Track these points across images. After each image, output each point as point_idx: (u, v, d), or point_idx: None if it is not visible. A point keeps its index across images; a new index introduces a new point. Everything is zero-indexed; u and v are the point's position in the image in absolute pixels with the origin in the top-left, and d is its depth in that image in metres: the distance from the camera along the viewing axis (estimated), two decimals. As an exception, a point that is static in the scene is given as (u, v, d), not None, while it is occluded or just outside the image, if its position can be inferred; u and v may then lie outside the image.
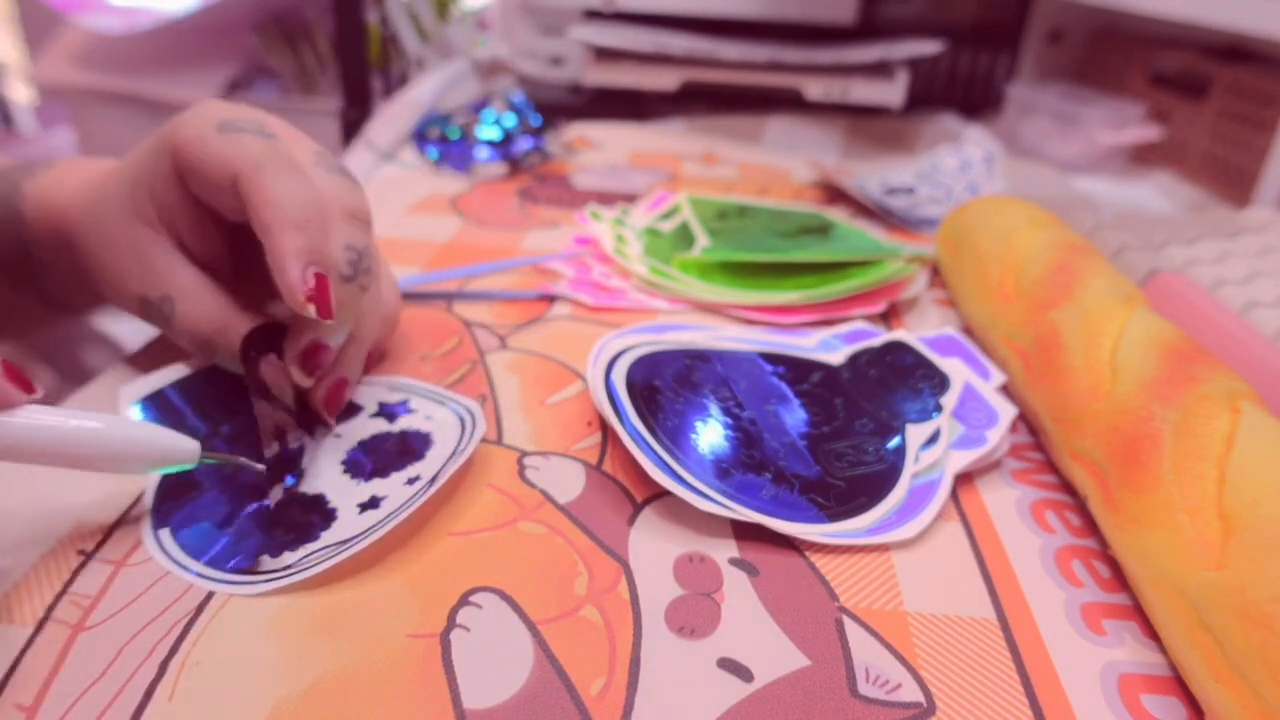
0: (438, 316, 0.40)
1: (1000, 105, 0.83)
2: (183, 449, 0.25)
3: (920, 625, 0.24)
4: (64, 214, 0.31)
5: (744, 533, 0.27)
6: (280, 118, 0.31)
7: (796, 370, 0.35)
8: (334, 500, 0.27)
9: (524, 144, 0.64)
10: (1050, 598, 0.26)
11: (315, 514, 0.27)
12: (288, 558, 0.25)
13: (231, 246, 0.31)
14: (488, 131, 0.64)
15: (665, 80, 0.74)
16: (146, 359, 0.34)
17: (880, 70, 0.74)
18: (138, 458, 0.24)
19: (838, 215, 0.55)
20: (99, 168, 0.32)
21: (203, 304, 0.29)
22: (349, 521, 0.26)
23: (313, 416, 0.30)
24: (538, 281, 0.44)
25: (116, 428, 0.24)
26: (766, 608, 0.24)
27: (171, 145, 0.28)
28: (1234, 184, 0.64)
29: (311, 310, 0.26)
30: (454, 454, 0.29)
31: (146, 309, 0.29)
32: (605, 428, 0.32)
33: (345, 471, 0.29)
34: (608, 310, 0.42)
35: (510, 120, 0.64)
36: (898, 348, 0.36)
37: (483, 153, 0.63)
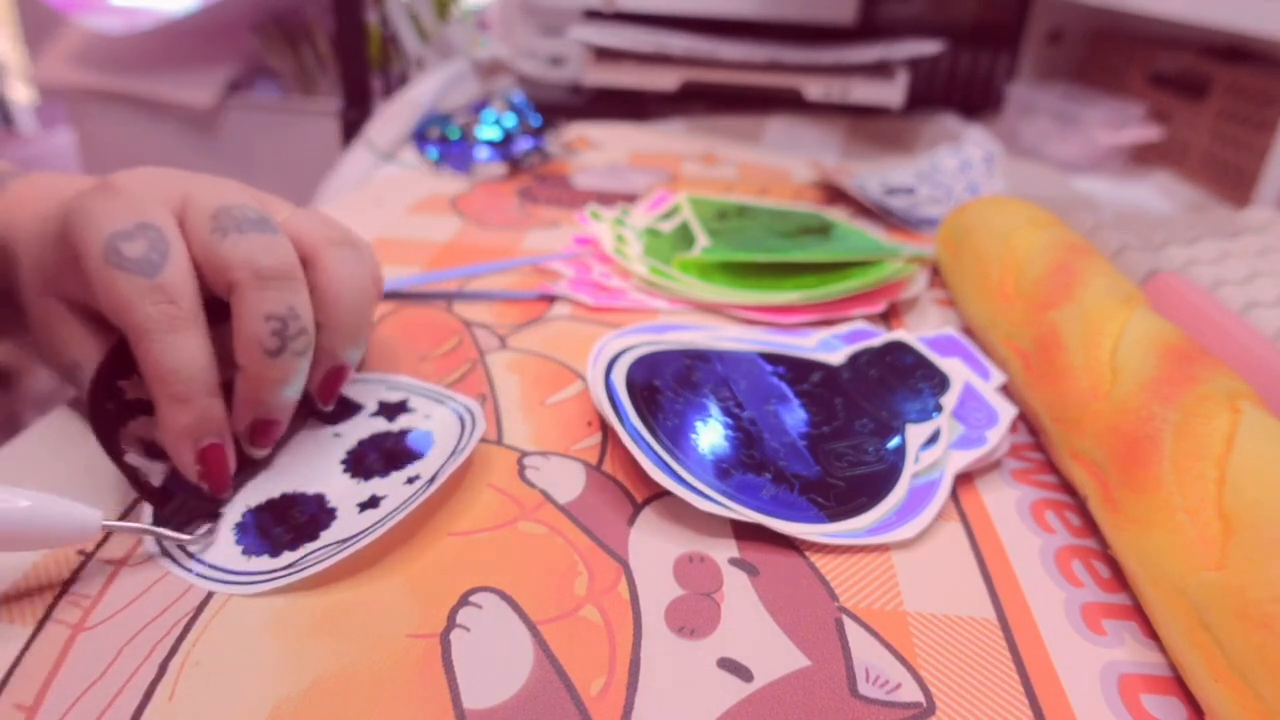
0: (438, 316, 0.40)
1: (1000, 105, 0.83)
2: (81, 524, 0.23)
3: (920, 625, 0.24)
4: (11, 248, 0.30)
5: (744, 533, 0.27)
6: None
7: (796, 370, 0.35)
8: (334, 500, 0.27)
9: (524, 144, 0.64)
10: (1050, 598, 0.26)
11: (315, 513, 0.27)
12: (288, 557, 0.25)
13: None
14: (488, 131, 0.64)
15: (665, 80, 0.74)
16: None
17: (880, 70, 0.74)
18: (25, 539, 0.22)
19: (838, 215, 0.55)
20: (48, 203, 0.30)
21: None
22: (349, 521, 0.26)
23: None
24: (538, 281, 0.44)
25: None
26: (766, 608, 0.24)
27: (72, 249, 0.26)
28: (1234, 184, 0.64)
29: (206, 488, 0.26)
30: (454, 453, 0.29)
31: (61, 371, 0.28)
32: (605, 428, 0.32)
33: (345, 471, 0.29)
34: (608, 310, 0.42)
35: (510, 120, 0.64)
36: (898, 348, 0.36)
37: (483, 153, 0.63)
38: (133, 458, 0.27)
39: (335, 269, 0.29)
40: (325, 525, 0.26)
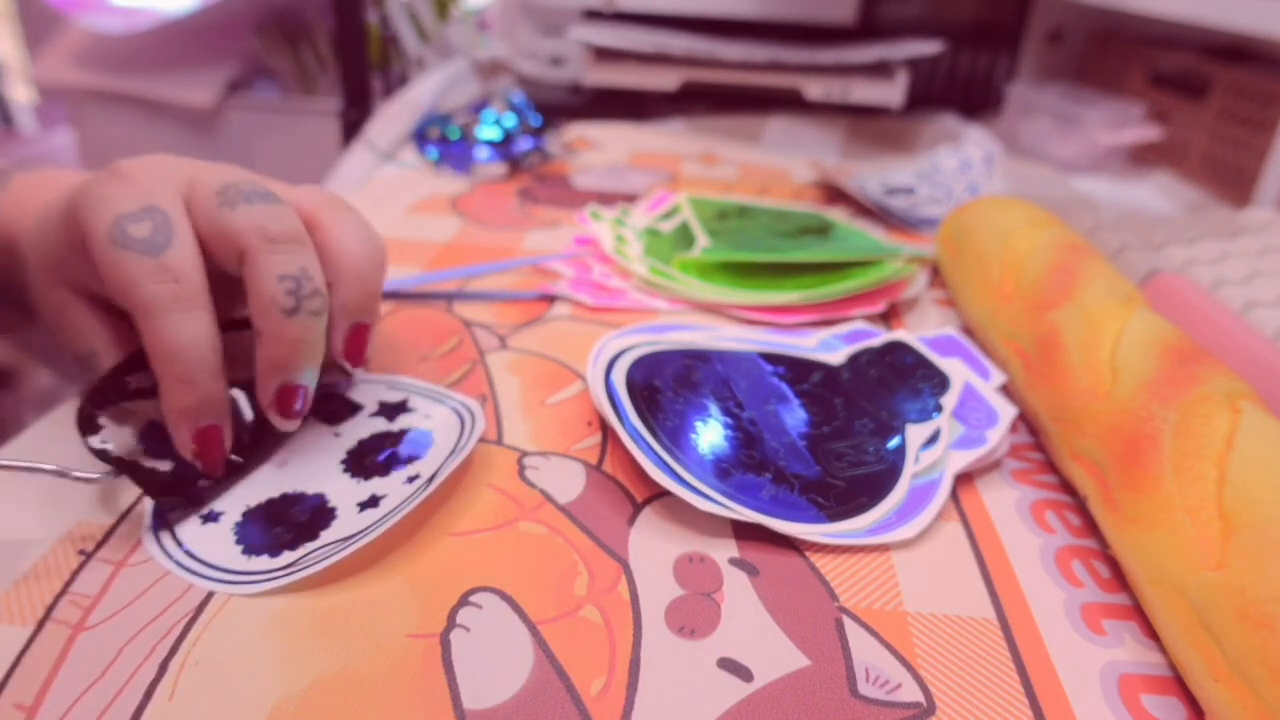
0: (438, 316, 0.40)
1: (1000, 105, 0.83)
2: None
3: (920, 625, 0.24)
4: (15, 242, 0.30)
5: (744, 533, 0.27)
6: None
7: (796, 370, 0.35)
8: (334, 500, 0.27)
9: (524, 144, 0.64)
10: (1050, 598, 0.26)
11: (315, 513, 0.27)
12: (287, 556, 0.25)
13: None
14: (488, 131, 0.64)
15: (665, 80, 0.74)
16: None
17: (880, 70, 0.74)
18: None
19: (838, 215, 0.55)
20: (53, 194, 0.30)
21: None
22: (349, 520, 0.26)
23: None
24: (538, 281, 0.44)
25: None
26: (766, 608, 0.24)
27: (79, 232, 0.26)
28: (1234, 184, 0.64)
29: (199, 465, 0.26)
30: (453, 452, 0.29)
31: (77, 361, 0.28)
32: (605, 428, 0.32)
33: (345, 470, 0.29)
34: (608, 310, 0.42)
35: (510, 120, 0.64)
36: (898, 348, 0.36)
37: (483, 153, 0.63)
38: (103, 439, 0.27)
39: (337, 228, 0.29)
40: (325, 525, 0.26)
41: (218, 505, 0.27)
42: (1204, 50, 0.70)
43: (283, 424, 0.28)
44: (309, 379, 0.28)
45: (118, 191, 0.26)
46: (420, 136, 0.66)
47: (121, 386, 0.28)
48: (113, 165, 0.27)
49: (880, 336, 0.37)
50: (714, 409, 0.31)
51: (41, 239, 0.28)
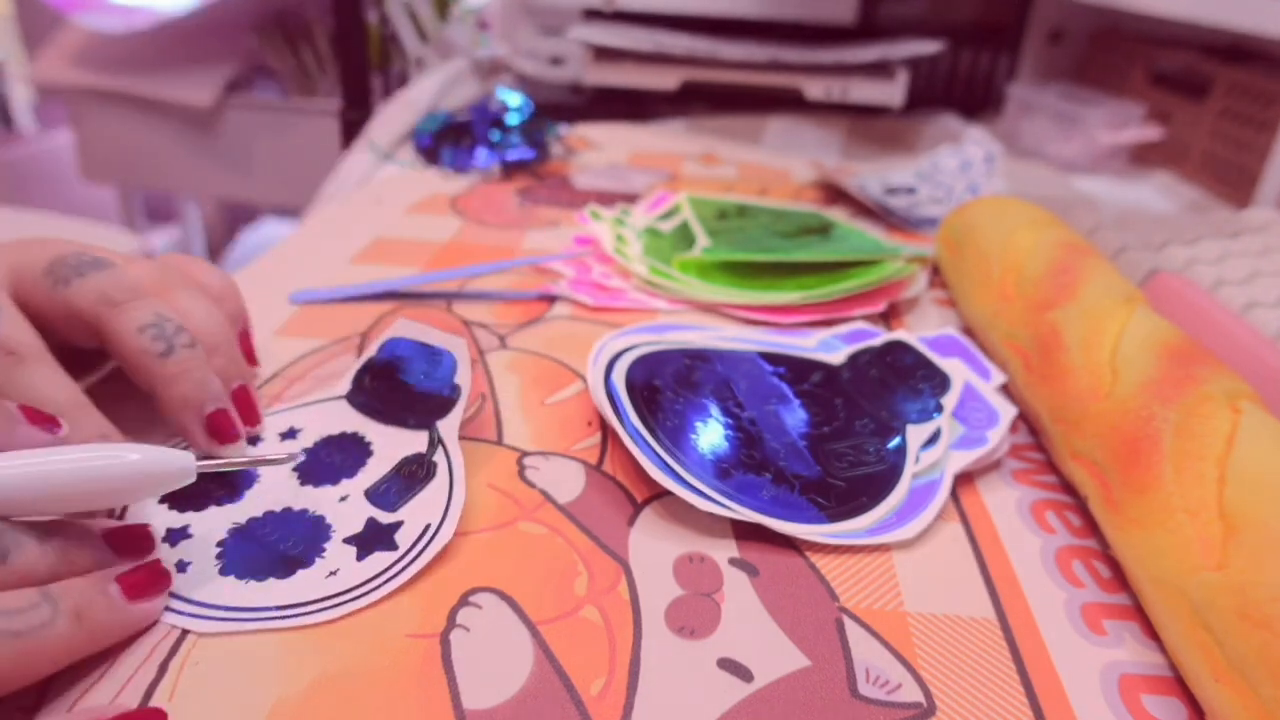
0: (438, 316, 0.40)
1: (1000, 105, 0.83)
2: (175, 466, 0.23)
3: (920, 625, 0.24)
4: None
5: (744, 533, 0.27)
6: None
7: (796, 370, 0.35)
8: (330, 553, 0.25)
9: (524, 144, 0.64)
10: (1050, 598, 0.26)
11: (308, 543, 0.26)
12: (282, 593, 0.24)
13: None
14: (489, 132, 0.64)
15: (665, 80, 0.74)
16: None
17: (880, 70, 0.74)
18: (127, 489, 0.22)
19: (838, 215, 0.55)
20: None
21: None
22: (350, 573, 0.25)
23: None
24: (538, 281, 0.44)
25: (96, 461, 0.21)
26: (766, 608, 0.24)
27: None
28: (1234, 184, 0.64)
29: None
30: (454, 451, 0.29)
31: None
32: (605, 428, 0.32)
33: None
34: (608, 310, 0.42)
35: (511, 121, 0.64)
36: (898, 348, 0.36)
37: (483, 153, 0.63)
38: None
39: (181, 303, 0.28)
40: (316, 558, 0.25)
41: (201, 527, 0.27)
42: (1204, 50, 0.70)
43: (231, 448, 0.27)
44: (222, 400, 0.27)
45: None
46: (420, 137, 0.66)
47: None
48: None
49: (880, 336, 0.37)
50: (714, 409, 0.31)
51: None
